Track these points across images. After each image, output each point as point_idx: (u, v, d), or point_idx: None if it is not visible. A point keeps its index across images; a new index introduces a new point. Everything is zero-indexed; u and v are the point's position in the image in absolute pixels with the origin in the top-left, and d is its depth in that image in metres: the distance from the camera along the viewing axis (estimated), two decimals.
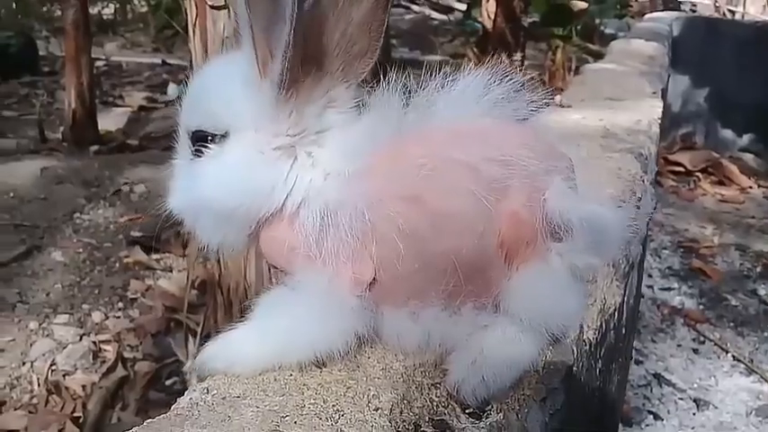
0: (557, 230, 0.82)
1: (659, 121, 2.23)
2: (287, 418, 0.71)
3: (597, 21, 8.88)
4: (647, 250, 5.07)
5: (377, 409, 0.73)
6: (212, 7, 2.64)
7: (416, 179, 0.80)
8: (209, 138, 0.88)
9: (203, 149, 0.89)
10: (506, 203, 0.80)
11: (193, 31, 2.72)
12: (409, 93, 0.88)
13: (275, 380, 0.78)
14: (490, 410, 0.79)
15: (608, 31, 9.45)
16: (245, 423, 0.71)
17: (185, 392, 0.77)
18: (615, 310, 1.19)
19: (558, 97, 2.47)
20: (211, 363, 0.84)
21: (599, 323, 1.09)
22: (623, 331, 1.37)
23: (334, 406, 0.74)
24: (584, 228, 0.82)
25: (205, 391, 0.77)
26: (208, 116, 0.89)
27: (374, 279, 0.80)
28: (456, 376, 0.82)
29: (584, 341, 1.02)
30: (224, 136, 0.88)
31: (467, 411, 0.78)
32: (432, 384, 0.81)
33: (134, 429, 0.72)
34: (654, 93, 2.64)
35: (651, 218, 1.74)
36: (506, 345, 0.84)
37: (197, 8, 2.68)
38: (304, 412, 0.72)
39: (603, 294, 1.15)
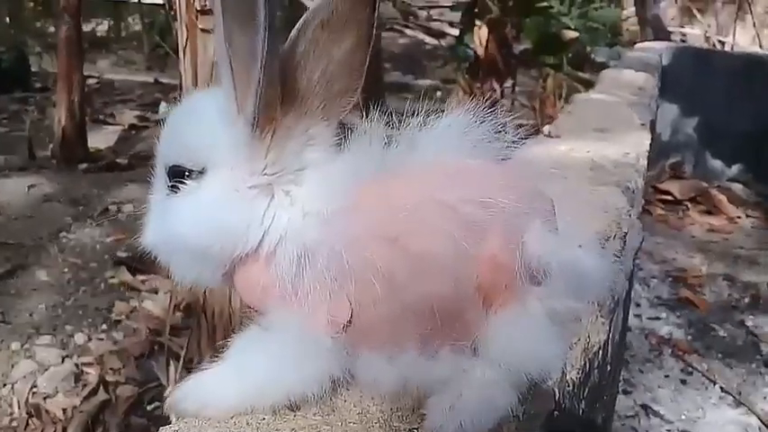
0: (535, 274, 0.80)
1: (647, 154, 2.22)
2: None
3: (588, 49, 8.94)
4: (635, 280, 5.07)
5: None
6: (203, 30, 2.64)
7: (395, 220, 0.78)
8: (186, 173, 0.86)
9: (180, 185, 0.87)
10: (485, 246, 0.79)
11: (184, 54, 2.72)
12: (391, 130, 0.86)
13: (247, 424, 0.75)
14: None
15: (599, 59, 9.52)
16: None
17: None
18: (600, 348, 1.17)
19: (546, 127, 2.47)
20: (182, 404, 0.82)
21: (582, 362, 1.07)
22: (608, 368, 1.35)
23: None
24: (564, 273, 0.81)
25: None
26: (185, 151, 0.88)
27: (350, 321, 0.79)
28: (433, 422, 0.81)
29: (566, 382, 1.00)
30: (201, 172, 0.86)
31: None
32: (409, 429, 0.79)
33: None
34: (642, 124, 2.64)
35: (638, 253, 1.73)
36: (485, 389, 0.82)
37: (188, 31, 2.69)
38: None
39: (587, 333, 1.13)
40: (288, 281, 0.79)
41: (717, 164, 7.48)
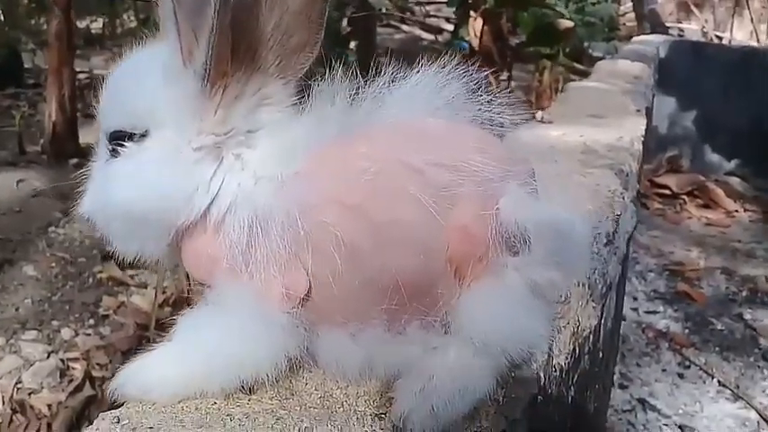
0: (513, 242, 0.74)
1: (642, 139, 2.16)
2: None
3: (585, 44, 8.88)
4: (632, 273, 5.01)
5: None
6: None
7: (358, 184, 0.71)
8: (127, 137, 0.82)
9: (120, 149, 0.82)
10: (456, 214, 0.72)
11: None
12: (355, 90, 0.79)
13: (196, 409, 0.69)
14: None
15: (596, 53, 9.46)
16: None
17: (94, 422, 0.68)
18: (590, 333, 1.11)
19: (539, 113, 2.41)
20: (125, 388, 0.75)
21: (572, 347, 1.01)
22: (600, 355, 1.28)
23: None
24: (544, 236, 0.74)
25: (115, 420, 0.68)
26: (125, 113, 0.83)
27: (308, 295, 0.72)
28: (402, 406, 0.73)
29: (553, 367, 0.93)
30: (143, 135, 0.81)
31: None
32: (375, 415, 0.72)
33: None
34: (638, 110, 2.58)
35: (631, 236, 1.67)
36: (459, 370, 0.75)
37: None
38: None
39: (578, 316, 1.07)
40: (238, 251, 0.73)
41: (714, 157, 7.44)
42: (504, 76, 6.63)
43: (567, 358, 0.98)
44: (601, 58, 7.93)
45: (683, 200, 6.65)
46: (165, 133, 0.80)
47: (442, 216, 0.71)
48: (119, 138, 0.82)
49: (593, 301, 1.18)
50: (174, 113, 0.79)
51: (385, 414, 0.73)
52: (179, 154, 0.79)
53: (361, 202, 0.72)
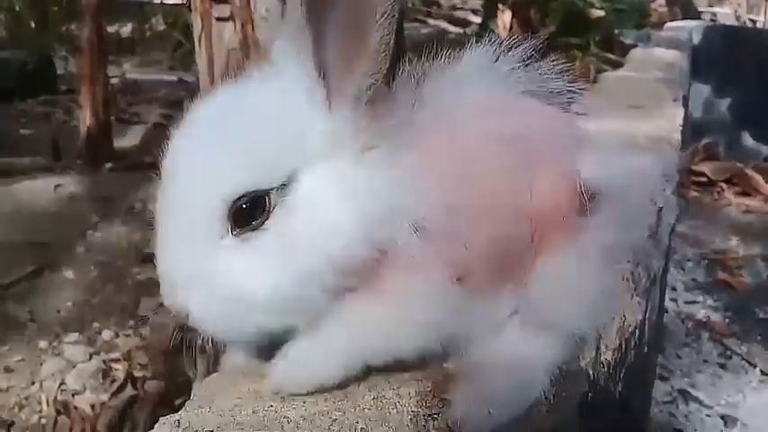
0: (588, 204, 0.74)
1: (681, 129, 2.13)
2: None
3: (617, 31, 8.78)
4: (670, 263, 4.96)
5: None
6: (218, 19, 2.62)
7: (466, 164, 0.74)
8: (259, 201, 0.72)
9: (249, 220, 0.72)
10: (541, 181, 0.73)
11: (199, 44, 2.69)
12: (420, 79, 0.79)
13: (253, 412, 0.70)
14: None
15: (627, 41, 9.37)
16: None
17: (155, 427, 0.69)
18: (636, 327, 1.10)
19: None
20: (293, 378, 0.73)
21: (618, 343, 1.00)
22: (645, 349, 1.27)
23: None
24: (616, 196, 0.77)
25: (176, 424, 0.69)
26: (259, 166, 0.72)
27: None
28: (459, 410, 0.73)
29: (601, 363, 0.93)
30: (284, 185, 0.72)
31: None
32: (428, 415, 0.72)
33: None
34: (675, 100, 2.55)
35: (674, 229, 1.65)
36: (516, 366, 0.75)
37: (202, 21, 2.66)
38: None
39: (623, 311, 1.06)
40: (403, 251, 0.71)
41: (751, 143, 7.31)
42: None
43: (614, 354, 0.97)
44: (632, 46, 7.85)
45: (721, 187, 6.55)
46: (319, 171, 0.72)
47: (526, 185, 0.72)
48: (250, 202, 0.72)
49: (637, 295, 1.17)
50: (329, 145, 0.73)
51: (438, 415, 0.74)
52: (344, 185, 0.71)
53: (471, 178, 0.72)
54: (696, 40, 7.20)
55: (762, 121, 7.16)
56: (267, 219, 0.72)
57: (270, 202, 0.72)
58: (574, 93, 0.84)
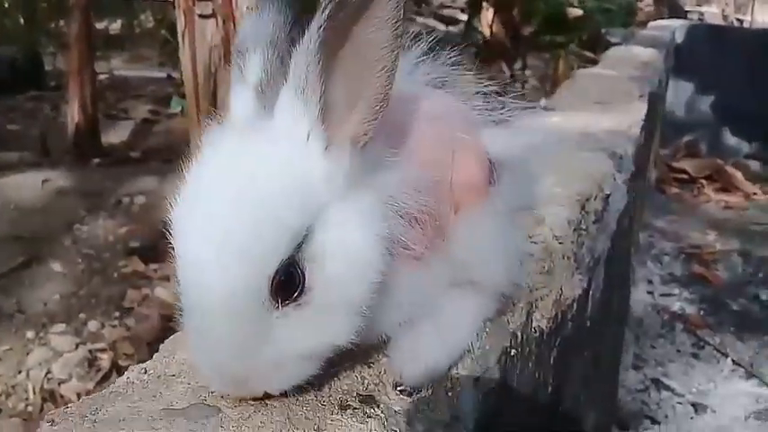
0: (495, 172, 0.83)
1: (642, 123, 2.23)
2: (214, 393, 0.72)
3: (603, 30, 8.89)
4: (648, 257, 5.06)
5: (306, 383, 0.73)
6: (200, 16, 2.69)
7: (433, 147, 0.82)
8: (292, 266, 0.71)
9: (290, 288, 0.71)
10: (458, 155, 0.82)
11: (183, 39, 2.77)
12: None
13: None
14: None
15: (614, 40, 9.47)
16: (174, 398, 0.72)
17: (125, 373, 0.79)
18: (574, 301, 1.19)
19: (542, 101, 2.48)
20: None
21: (554, 313, 1.09)
22: (588, 324, 1.36)
23: None
24: (515, 165, 0.86)
25: (143, 371, 0.79)
26: (285, 237, 0.71)
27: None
28: (399, 365, 0.82)
29: (533, 329, 1.02)
30: (303, 243, 0.71)
31: (398, 388, 0.78)
32: (365, 363, 0.81)
33: (69, 406, 0.73)
34: (641, 96, 2.64)
35: (630, 215, 1.74)
36: (448, 327, 0.84)
37: (185, 18, 2.74)
38: None
39: (561, 286, 1.15)
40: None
41: (733, 141, 7.43)
42: (519, 65, 6.68)
43: (548, 322, 1.06)
44: (618, 45, 7.96)
45: (701, 184, 6.65)
46: (329, 216, 0.73)
47: (449, 158, 0.80)
48: (285, 272, 0.70)
49: (579, 273, 1.26)
50: (329, 188, 0.73)
51: (374, 363, 0.81)
52: (353, 218, 0.73)
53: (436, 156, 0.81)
54: (680, 39, 7.31)
55: (743, 118, 7.27)
56: (304, 280, 0.71)
57: (301, 264, 0.71)
58: (470, 82, 0.93)
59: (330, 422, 0.70)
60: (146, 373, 0.79)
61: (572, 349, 1.24)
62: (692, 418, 3.38)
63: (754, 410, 3.41)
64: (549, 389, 1.12)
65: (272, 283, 0.70)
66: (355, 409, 0.72)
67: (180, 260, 0.74)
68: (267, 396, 0.73)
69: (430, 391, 0.78)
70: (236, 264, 0.69)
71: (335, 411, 0.72)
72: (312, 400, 0.73)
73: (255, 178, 0.71)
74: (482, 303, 0.87)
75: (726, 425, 3.32)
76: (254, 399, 0.71)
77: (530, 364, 0.99)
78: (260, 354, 0.70)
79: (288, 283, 0.70)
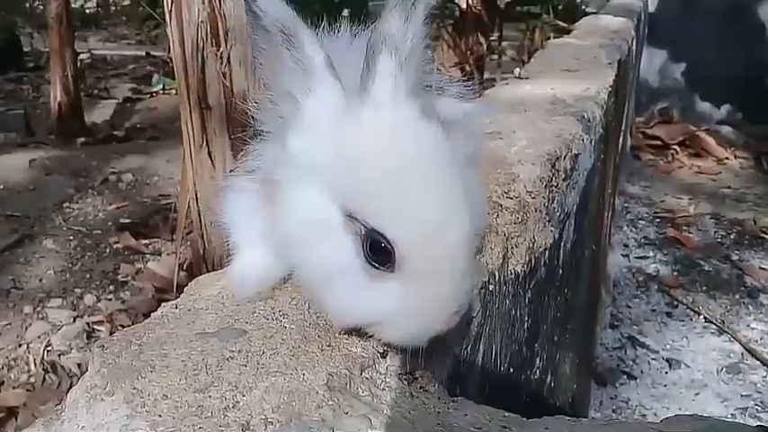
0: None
1: (610, 89, 2.36)
2: (240, 319, 0.86)
3: (579, 0, 8.98)
4: (623, 221, 5.23)
5: (315, 312, 0.87)
6: None
7: None
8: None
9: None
10: None
11: (169, 18, 2.83)
12: None
13: (233, 294, 0.92)
14: None
15: (590, 9, 9.55)
16: (204, 324, 0.85)
17: (158, 308, 0.91)
18: (546, 249, 1.33)
19: (516, 70, 2.61)
20: None
21: (527, 258, 1.23)
22: (560, 272, 1.51)
23: (280, 311, 0.88)
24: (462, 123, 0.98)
25: (174, 306, 0.91)
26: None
27: None
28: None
29: (510, 271, 1.16)
30: None
31: None
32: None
33: (115, 334, 0.86)
34: (609, 63, 2.77)
35: (590, 173, 1.89)
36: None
37: None
38: (255, 315, 0.87)
39: (533, 235, 1.29)
40: None
41: (705, 107, 7.58)
42: (495, 36, 6.77)
43: (523, 267, 1.20)
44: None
45: (675, 150, 6.80)
46: None
47: None
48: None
49: (551, 225, 1.40)
50: None
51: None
52: None
53: None
54: (653, 7, 7.42)
55: (715, 85, 7.41)
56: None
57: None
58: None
59: (338, 340, 0.84)
60: (177, 308, 0.92)
61: (545, 293, 1.39)
62: (666, 372, 3.55)
63: (726, 365, 3.59)
64: (525, 325, 1.26)
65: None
66: (358, 330, 0.86)
67: (422, 216, 0.79)
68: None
69: None
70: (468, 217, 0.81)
71: (342, 332, 0.85)
72: (323, 323, 0.86)
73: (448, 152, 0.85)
74: None
75: (698, 379, 3.50)
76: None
77: (507, 302, 1.13)
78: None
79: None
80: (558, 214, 1.46)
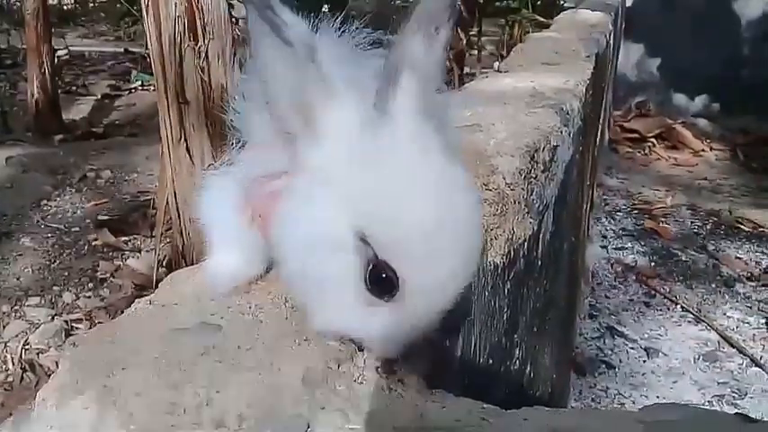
0: None
1: (588, 82, 2.37)
2: (216, 314, 0.85)
3: None
4: (601, 213, 5.27)
5: (292, 306, 0.87)
6: None
7: None
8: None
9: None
10: None
11: (146, 13, 2.82)
12: None
13: (210, 289, 0.91)
14: None
15: (568, 5, 9.59)
16: (179, 320, 0.84)
17: (131, 305, 0.90)
18: (525, 241, 1.33)
19: (496, 64, 2.61)
20: None
21: (506, 250, 1.24)
22: (539, 263, 1.52)
23: (257, 305, 0.87)
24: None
25: (147, 302, 0.90)
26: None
27: None
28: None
29: (489, 263, 1.16)
30: None
31: None
32: None
33: (87, 332, 0.85)
34: (587, 56, 2.78)
35: (568, 164, 1.90)
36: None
37: None
38: (231, 310, 0.86)
39: (512, 227, 1.29)
40: None
41: (681, 100, 7.66)
42: (474, 31, 6.78)
43: (502, 259, 1.21)
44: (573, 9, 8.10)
45: (652, 143, 6.88)
46: None
47: None
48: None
49: (531, 217, 1.40)
50: None
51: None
52: None
53: None
54: (630, 2, 7.48)
55: (691, 78, 7.48)
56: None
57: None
58: None
59: (315, 334, 0.83)
60: (151, 303, 0.91)
61: (524, 284, 1.39)
62: (644, 361, 3.60)
63: (703, 353, 3.64)
64: (505, 317, 1.26)
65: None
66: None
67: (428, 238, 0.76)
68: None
69: None
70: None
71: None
72: (300, 317, 0.86)
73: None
74: None
75: (676, 367, 3.55)
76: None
77: (486, 293, 1.13)
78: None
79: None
80: (536, 206, 1.46)
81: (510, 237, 1.28)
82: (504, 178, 1.36)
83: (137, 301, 0.91)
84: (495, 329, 1.22)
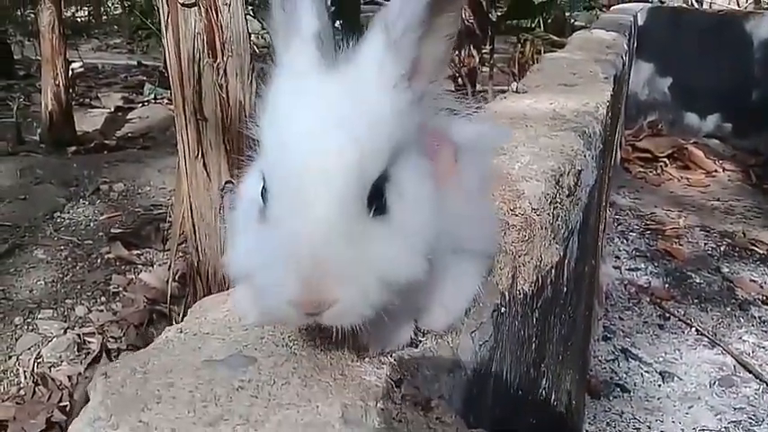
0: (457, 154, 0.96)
1: (608, 104, 2.36)
2: (249, 346, 0.84)
3: (567, 14, 9.04)
4: (614, 233, 5.24)
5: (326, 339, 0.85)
6: (183, 5, 2.75)
7: None
8: (381, 185, 0.78)
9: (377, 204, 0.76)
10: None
11: (166, 29, 2.82)
12: None
13: (240, 319, 0.90)
14: (425, 339, 0.91)
15: (578, 23, 9.62)
16: (212, 351, 0.83)
17: (162, 332, 0.89)
18: (552, 267, 1.32)
19: (514, 84, 2.60)
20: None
21: (535, 278, 1.22)
22: (565, 290, 1.50)
23: (290, 337, 0.86)
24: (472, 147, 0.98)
25: (179, 330, 0.89)
26: (384, 153, 0.79)
27: None
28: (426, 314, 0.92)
29: (518, 291, 1.15)
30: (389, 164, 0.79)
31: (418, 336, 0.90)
32: None
33: (117, 361, 0.84)
34: (606, 78, 2.78)
35: (601, 189, 1.88)
36: (456, 285, 0.95)
37: (168, 6, 2.79)
38: (264, 341, 0.85)
39: (540, 254, 1.28)
40: None
41: (693, 120, 7.63)
42: (487, 48, 6.78)
43: (530, 286, 1.19)
44: (583, 28, 8.11)
45: (664, 162, 6.84)
46: (403, 155, 0.82)
47: None
48: (376, 187, 0.77)
49: (556, 243, 1.39)
50: (411, 136, 0.83)
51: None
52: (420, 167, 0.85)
53: None
54: (642, 21, 7.48)
55: (703, 98, 7.46)
56: (386, 200, 0.77)
57: (387, 186, 0.78)
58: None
59: (351, 367, 0.82)
60: (182, 332, 0.90)
61: (552, 311, 1.38)
62: (659, 385, 3.55)
63: (718, 377, 3.60)
64: (533, 346, 1.25)
65: (369, 190, 0.75)
66: (372, 357, 0.84)
67: (293, 146, 0.76)
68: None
69: (435, 342, 0.90)
70: (352, 153, 0.74)
71: (355, 359, 0.84)
72: (334, 350, 0.85)
73: (362, 104, 0.78)
74: (477, 263, 0.99)
75: (692, 391, 3.50)
76: (314, 314, 0.71)
77: (516, 323, 1.12)
78: (345, 252, 0.71)
79: (376, 197, 0.76)
80: (562, 231, 1.45)
81: (538, 264, 1.27)
82: (531, 203, 1.35)
83: (167, 329, 0.90)
84: (523, 360, 1.20)
